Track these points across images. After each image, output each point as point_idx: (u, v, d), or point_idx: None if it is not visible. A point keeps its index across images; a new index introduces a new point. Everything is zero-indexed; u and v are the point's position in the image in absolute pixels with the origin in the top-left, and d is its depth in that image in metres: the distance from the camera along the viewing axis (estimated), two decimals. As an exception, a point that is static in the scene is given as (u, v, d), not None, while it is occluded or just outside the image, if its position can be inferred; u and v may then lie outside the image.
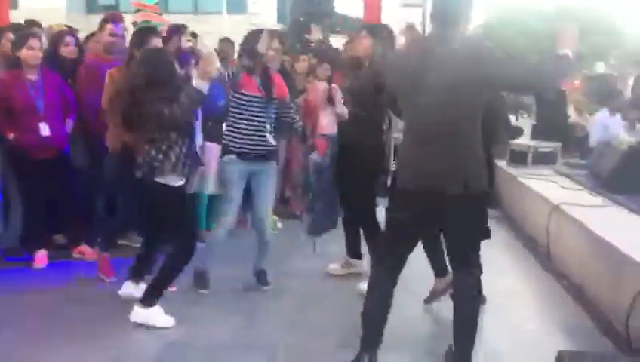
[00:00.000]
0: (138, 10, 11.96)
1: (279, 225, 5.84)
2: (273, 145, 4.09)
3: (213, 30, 18.68)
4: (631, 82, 11.41)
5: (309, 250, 4.73)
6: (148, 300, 3.59)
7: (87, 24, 20.02)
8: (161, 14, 11.98)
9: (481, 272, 3.14)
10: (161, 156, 3.48)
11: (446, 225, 2.88)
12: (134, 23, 10.59)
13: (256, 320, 3.83)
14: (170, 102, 3.42)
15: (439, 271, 3.83)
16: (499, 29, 29.00)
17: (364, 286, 4.16)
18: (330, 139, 5.76)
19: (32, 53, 4.39)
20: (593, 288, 3.98)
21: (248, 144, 3.93)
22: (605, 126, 7.52)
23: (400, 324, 3.33)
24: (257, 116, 3.94)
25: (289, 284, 4.34)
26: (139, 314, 3.58)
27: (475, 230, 2.88)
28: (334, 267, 4.63)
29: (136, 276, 3.96)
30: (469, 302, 2.86)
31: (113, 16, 4.95)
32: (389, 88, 3.16)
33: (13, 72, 4.44)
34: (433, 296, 3.92)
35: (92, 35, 5.89)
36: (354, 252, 4.58)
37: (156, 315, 3.58)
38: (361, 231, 4.39)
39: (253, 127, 3.94)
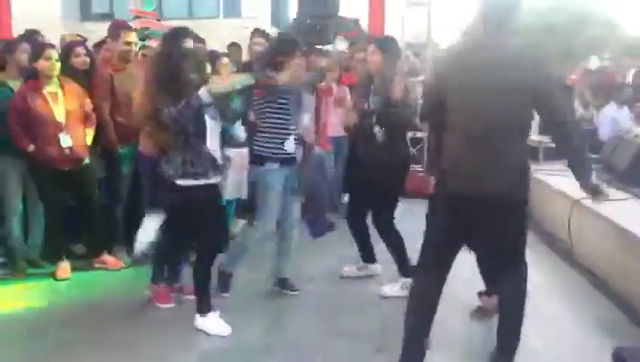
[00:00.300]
0: (137, 17, 11.98)
1: None
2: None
3: (209, 35, 18.77)
4: (630, 75, 11.52)
5: (315, 252, 4.76)
6: (200, 308, 3.66)
7: (82, 32, 20.04)
8: (159, 20, 12.00)
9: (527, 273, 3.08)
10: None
11: (494, 231, 2.84)
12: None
13: (281, 324, 3.83)
14: (171, 104, 3.46)
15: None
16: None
17: (387, 289, 4.19)
18: (335, 140, 5.81)
19: (50, 64, 4.37)
20: (621, 281, 4.00)
21: (286, 150, 3.96)
22: (614, 119, 7.53)
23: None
24: (290, 121, 3.96)
25: (307, 288, 4.32)
26: (198, 321, 3.66)
27: (521, 234, 2.88)
28: (349, 269, 4.62)
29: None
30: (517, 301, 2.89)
31: (126, 24, 4.94)
32: (434, 89, 3.05)
33: (31, 82, 4.42)
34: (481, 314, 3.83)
35: (102, 42, 5.89)
36: (367, 256, 4.59)
37: (210, 322, 3.64)
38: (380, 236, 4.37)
39: (291, 132, 3.97)
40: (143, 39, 10.36)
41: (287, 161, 3.99)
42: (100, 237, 4.82)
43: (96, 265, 4.77)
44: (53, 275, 4.57)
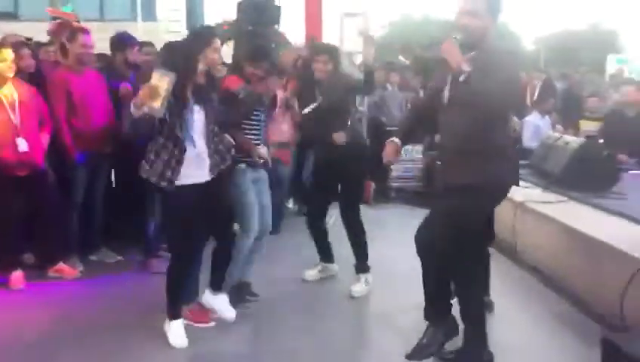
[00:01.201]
0: (54, 19, 11.59)
1: None
2: None
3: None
4: (538, 86, 12.39)
5: (274, 256, 4.81)
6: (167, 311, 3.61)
7: (-19, 31, 19.01)
8: (78, 22, 11.67)
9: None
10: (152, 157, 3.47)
11: None
12: (49, 32, 10.20)
13: (263, 329, 3.87)
14: None
15: None
16: (405, 39, 30.21)
17: (356, 289, 4.35)
18: (287, 146, 5.93)
19: (5, 65, 4.21)
20: (568, 276, 4.32)
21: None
22: (537, 126, 8.07)
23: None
24: (259, 125, 4.00)
25: (275, 291, 4.37)
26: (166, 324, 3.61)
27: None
28: (311, 273, 4.73)
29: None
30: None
31: (82, 28, 4.81)
32: None
33: (-16, 86, 4.23)
34: None
35: (43, 44, 5.71)
36: (327, 256, 4.72)
37: (173, 329, 3.57)
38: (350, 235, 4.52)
39: (257, 137, 4.00)
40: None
41: (253, 163, 3.98)
42: (56, 245, 4.66)
43: (52, 274, 4.61)
44: (5, 285, 4.37)
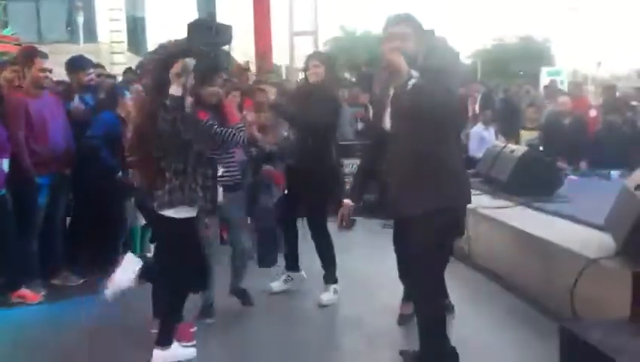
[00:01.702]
0: (-5, 42, 11.31)
1: None
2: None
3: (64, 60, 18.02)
4: (478, 98, 12.91)
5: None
6: (162, 340, 3.53)
7: None
8: (19, 44, 11.50)
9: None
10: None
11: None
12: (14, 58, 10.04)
13: (233, 342, 3.95)
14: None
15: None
16: (348, 54, 30.76)
17: (325, 298, 4.49)
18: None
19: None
20: (520, 277, 4.59)
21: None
22: (482, 137, 8.46)
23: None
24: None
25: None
26: (158, 357, 3.50)
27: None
28: (277, 284, 4.84)
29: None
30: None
31: (39, 51, 4.82)
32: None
33: (-58, 112, 4.19)
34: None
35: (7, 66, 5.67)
36: (293, 264, 4.85)
37: (174, 351, 3.56)
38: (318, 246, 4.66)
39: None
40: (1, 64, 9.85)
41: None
42: (17, 270, 4.62)
43: (14, 300, 4.56)
44: (-34, 313, 4.31)
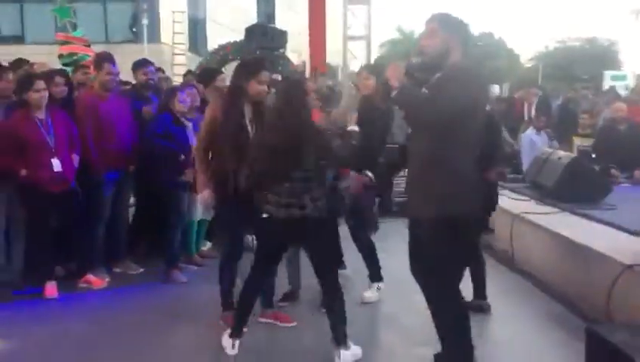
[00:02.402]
0: (64, 43, 12.01)
1: None
2: None
3: (128, 60, 18.78)
4: (534, 102, 12.79)
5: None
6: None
7: (-11, 56, 19.45)
8: (88, 46, 12.08)
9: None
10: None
11: None
12: (60, 56, 10.67)
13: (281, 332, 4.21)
14: None
15: None
16: (402, 55, 30.71)
17: (367, 294, 4.68)
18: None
19: (39, 95, 4.59)
20: (559, 281, 4.67)
21: None
22: (533, 142, 8.45)
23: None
24: None
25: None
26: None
27: None
28: None
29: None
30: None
31: (109, 56, 5.20)
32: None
33: (22, 111, 4.61)
34: None
35: (78, 68, 6.13)
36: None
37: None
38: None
39: None
40: (70, 64, 10.44)
41: None
42: (85, 258, 5.01)
43: (81, 285, 4.96)
44: (40, 295, 4.71)
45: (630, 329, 2.81)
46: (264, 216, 3.56)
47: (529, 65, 37.05)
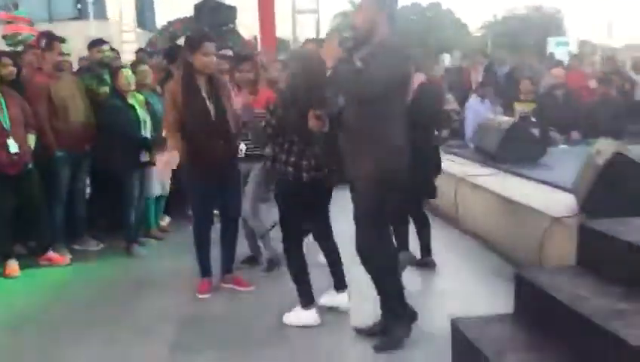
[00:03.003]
0: (9, 23, 11.80)
1: None
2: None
3: (74, 37, 18.43)
4: (481, 71, 13.19)
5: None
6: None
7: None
8: (32, 25, 11.89)
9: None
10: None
11: None
12: (4, 37, 10.54)
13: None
14: None
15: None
16: (345, 22, 30.88)
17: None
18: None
19: (-8, 76, 4.64)
20: (501, 237, 5.03)
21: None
22: (477, 110, 8.80)
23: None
24: None
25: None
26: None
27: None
28: None
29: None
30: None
31: (59, 37, 5.25)
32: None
33: (-27, 93, 4.66)
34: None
35: (21, 52, 6.14)
36: None
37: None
38: None
39: None
40: (16, 45, 10.31)
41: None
42: (45, 236, 5.12)
43: (43, 263, 5.07)
44: (2, 274, 4.81)
45: (552, 271, 3.13)
46: (297, 180, 3.63)
47: (478, 35, 37.72)
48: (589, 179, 3.89)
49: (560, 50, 21.49)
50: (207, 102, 4.12)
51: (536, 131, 7.25)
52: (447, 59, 23.46)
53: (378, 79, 3.07)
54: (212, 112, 4.13)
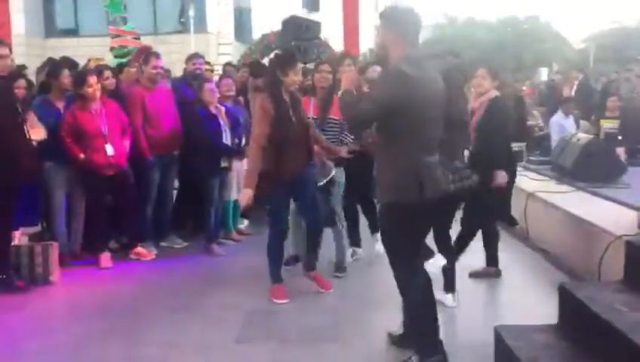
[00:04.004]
0: (116, 36, 12.74)
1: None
2: None
3: (176, 50, 19.59)
4: (575, 86, 12.86)
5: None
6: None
7: (43, 49, 20.43)
8: (138, 38, 12.78)
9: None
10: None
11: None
12: (112, 49, 11.38)
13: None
14: None
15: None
16: (450, 41, 30.60)
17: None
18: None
19: (92, 90, 5.21)
20: (567, 254, 5.03)
21: None
22: (561, 126, 8.68)
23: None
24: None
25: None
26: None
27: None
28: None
29: None
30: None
31: (155, 52, 5.80)
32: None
33: (79, 103, 5.24)
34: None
35: (125, 65, 6.76)
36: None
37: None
38: None
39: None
40: (122, 56, 11.13)
41: None
42: (135, 232, 5.65)
43: (132, 256, 5.59)
44: (96, 265, 5.36)
45: (596, 285, 3.19)
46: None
47: (581, 47, 36.28)
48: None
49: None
50: (291, 114, 4.38)
51: (621, 150, 7.12)
52: (544, 74, 22.91)
53: (380, 102, 3.07)
54: (295, 124, 4.37)
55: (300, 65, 4.51)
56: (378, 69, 4.17)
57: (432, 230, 3.77)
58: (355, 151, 4.82)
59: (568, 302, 3.10)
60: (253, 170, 4.30)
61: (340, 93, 3.27)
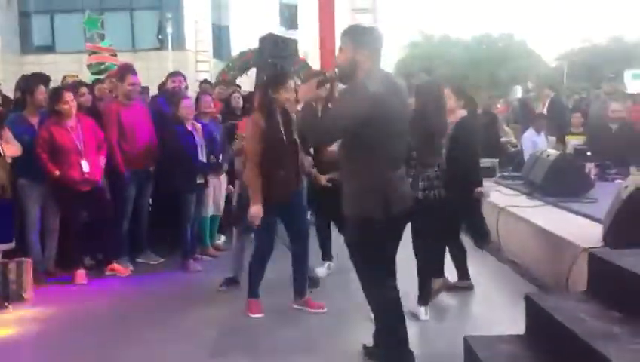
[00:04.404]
0: (93, 53, 12.72)
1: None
2: None
3: (154, 67, 19.60)
4: (547, 103, 13.13)
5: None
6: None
7: (20, 66, 20.33)
8: (115, 55, 12.78)
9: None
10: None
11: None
12: (89, 65, 11.39)
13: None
14: None
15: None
16: (426, 58, 31.09)
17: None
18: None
19: (68, 106, 5.23)
20: (537, 266, 5.15)
21: None
22: (534, 142, 8.86)
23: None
24: None
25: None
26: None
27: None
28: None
29: None
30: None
31: (132, 68, 5.84)
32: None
33: (55, 119, 5.25)
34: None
35: (99, 81, 6.79)
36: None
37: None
38: None
39: None
40: (99, 73, 11.14)
41: None
42: (111, 249, 5.64)
43: (108, 273, 5.59)
44: (71, 281, 5.34)
45: (560, 295, 3.28)
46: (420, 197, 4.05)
47: (554, 66, 37.02)
48: (613, 212, 4.00)
49: (636, 82, 20.93)
50: (282, 131, 4.40)
51: (591, 165, 7.29)
52: (519, 91, 23.31)
53: (336, 120, 3.14)
54: (285, 141, 4.40)
55: (292, 83, 4.55)
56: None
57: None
58: (333, 180, 4.83)
59: (534, 312, 3.18)
60: (256, 190, 4.32)
61: (299, 106, 3.34)
